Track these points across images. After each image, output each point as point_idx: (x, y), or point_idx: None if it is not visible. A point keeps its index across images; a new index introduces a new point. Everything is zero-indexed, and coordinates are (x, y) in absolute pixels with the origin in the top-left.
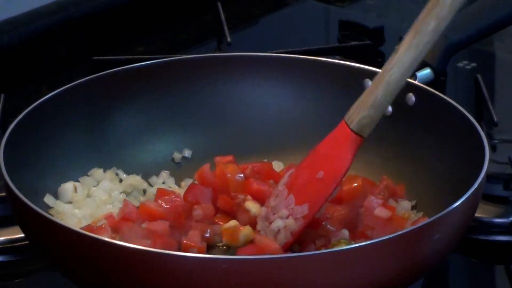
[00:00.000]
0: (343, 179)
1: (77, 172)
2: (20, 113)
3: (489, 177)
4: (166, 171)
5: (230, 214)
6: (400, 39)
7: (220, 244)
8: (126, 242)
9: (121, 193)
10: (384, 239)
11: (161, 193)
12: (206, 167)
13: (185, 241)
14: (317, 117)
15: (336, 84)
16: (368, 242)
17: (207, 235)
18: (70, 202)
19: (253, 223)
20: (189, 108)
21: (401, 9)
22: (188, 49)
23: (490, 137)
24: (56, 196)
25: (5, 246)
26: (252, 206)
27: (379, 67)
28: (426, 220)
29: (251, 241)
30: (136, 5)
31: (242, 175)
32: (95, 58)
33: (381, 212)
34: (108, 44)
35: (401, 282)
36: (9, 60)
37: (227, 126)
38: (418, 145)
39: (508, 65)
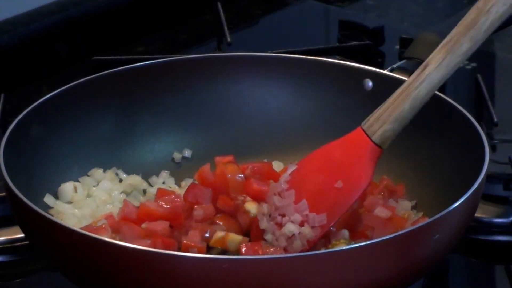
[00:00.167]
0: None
1: (77, 172)
2: (20, 113)
3: (489, 177)
4: (166, 171)
5: (230, 215)
6: (400, 39)
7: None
8: (126, 242)
9: (121, 193)
10: (384, 239)
11: (161, 193)
12: (206, 167)
13: (185, 241)
14: (317, 117)
15: (336, 84)
16: (368, 242)
17: (207, 235)
18: (70, 202)
19: (253, 224)
20: (189, 108)
21: (401, 9)
22: (188, 49)
23: (490, 137)
24: (56, 196)
25: (5, 246)
26: (251, 207)
27: (379, 67)
28: (426, 220)
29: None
30: (136, 5)
31: (242, 175)
32: (95, 58)
33: (381, 212)
34: (108, 44)
35: (401, 282)
36: (9, 60)
37: (227, 126)
38: (418, 145)
39: (508, 65)
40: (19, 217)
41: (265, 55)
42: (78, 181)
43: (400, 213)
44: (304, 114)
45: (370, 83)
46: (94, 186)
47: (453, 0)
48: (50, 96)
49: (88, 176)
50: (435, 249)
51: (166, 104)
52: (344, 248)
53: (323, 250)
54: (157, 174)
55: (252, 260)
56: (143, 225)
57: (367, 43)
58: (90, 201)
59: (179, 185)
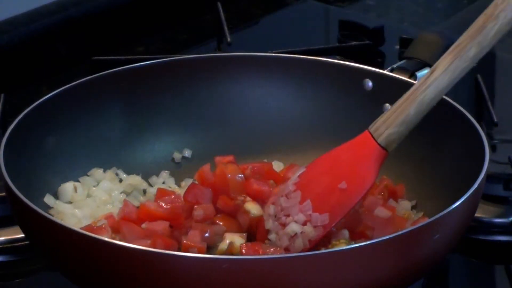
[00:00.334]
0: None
1: (77, 172)
2: (20, 113)
3: (489, 177)
4: (166, 171)
5: (230, 215)
6: (400, 39)
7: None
8: (126, 242)
9: (121, 193)
10: (384, 239)
11: (161, 193)
12: (206, 167)
13: (185, 241)
14: (317, 117)
15: (336, 84)
16: (368, 242)
17: (207, 235)
18: (70, 202)
19: (253, 224)
20: (189, 108)
21: (401, 9)
22: (188, 49)
23: (490, 137)
24: (56, 196)
25: (5, 246)
26: (251, 207)
27: (379, 67)
28: (426, 220)
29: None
30: (136, 5)
31: (242, 175)
32: (95, 58)
33: (381, 212)
34: (108, 44)
35: (401, 282)
36: (9, 60)
37: (227, 126)
38: (418, 145)
39: (508, 65)
40: (19, 217)
41: (265, 55)
42: (78, 181)
43: (400, 213)
44: (304, 114)
45: (370, 83)
46: (94, 186)
47: (453, 0)
48: (50, 96)
49: (88, 176)
50: (435, 249)
51: (166, 104)
52: (344, 248)
53: (323, 250)
54: (157, 174)
55: (252, 260)
56: (143, 225)
57: (367, 43)
58: (90, 201)
59: (179, 185)
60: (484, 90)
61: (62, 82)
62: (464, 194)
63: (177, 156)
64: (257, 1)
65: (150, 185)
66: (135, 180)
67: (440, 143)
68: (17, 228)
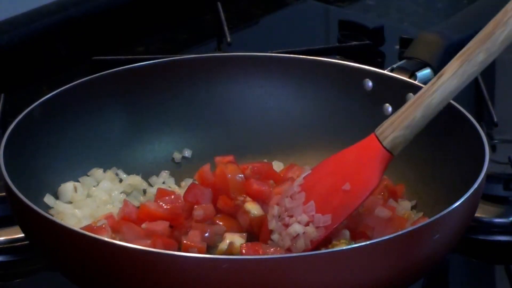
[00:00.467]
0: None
1: (77, 172)
2: (20, 113)
3: (489, 177)
4: (166, 171)
5: (230, 215)
6: (400, 39)
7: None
8: (126, 242)
9: (121, 193)
10: (384, 239)
11: (161, 193)
12: (206, 167)
13: (185, 241)
14: (317, 117)
15: (336, 84)
16: (368, 242)
17: (207, 235)
18: (70, 202)
19: (253, 224)
20: (189, 108)
21: (401, 9)
22: (188, 49)
23: (490, 137)
24: (56, 196)
25: (5, 246)
26: (252, 207)
27: (379, 67)
28: (426, 220)
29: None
30: (136, 5)
31: (242, 175)
32: (95, 58)
33: (381, 212)
34: (108, 44)
35: (401, 282)
36: (9, 60)
37: (227, 126)
38: (418, 145)
39: (508, 65)
40: (19, 217)
41: (265, 55)
42: (78, 181)
43: (400, 213)
44: (304, 114)
45: (370, 83)
46: (94, 186)
47: (453, 0)
48: (50, 96)
49: (88, 176)
50: (435, 249)
51: (166, 104)
52: (344, 248)
53: (323, 250)
54: (157, 174)
55: (252, 260)
56: (143, 225)
57: (367, 43)
58: (90, 201)
59: (179, 185)
60: (484, 90)
61: (62, 82)
62: (464, 194)
63: (177, 156)
64: (257, 1)
65: (150, 185)
66: (135, 180)
67: (440, 143)
68: (17, 228)
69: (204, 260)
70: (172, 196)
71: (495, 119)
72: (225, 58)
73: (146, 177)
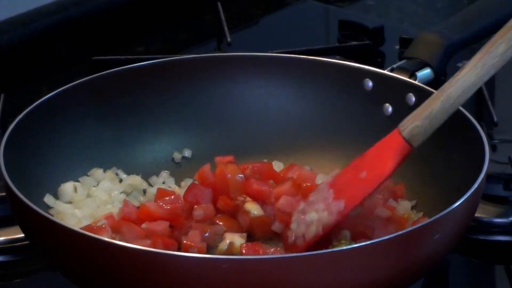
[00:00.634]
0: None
1: (77, 172)
2: (20, 113)
3: (489, 177)
4: (166, 171)
5: (230, 215)
6: (400, 39)
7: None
8: (126, 242)
9: (121, 193)
10: (384, 239)
11: (161, 193)
12: (206, 167)
13: (185, 241)
14: (317, 117)
15: (336, 84)
16: (368, 242)
17: (207, 235)
18: (70, 202)
19: (253, 224)
20: (189, 108)
21: (401, 9)
22: (188, 49)
23: (490, 137)
24: (56, 196)
25: (5, 246)
26: (252, 207)
27: (379, 67)
28: (426, 220)
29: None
30: (136, 5)
31: (242, 175)
32: (95, 58)
33: (381, 212)
34: (108, 44)
35: (401, 282)
36: (9, 60)
37: (227, 126)
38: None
39: (508, 65)
40: (19, 217)
41: (265, 55)
42: (78, 181)
43: (400, 213)
44: (304, 114)
45: (370, 83)
46: (94, 186)
47: (453, 0)
48: (50, 96)
49: (88, 176)
50: (435, 249)
51: (166, 104)
52: (344, 248)
53: (323, 250)
54: (157, 174)
55: (252, 260)
56: (143, 225)
57: (367, 43)
58: (90, 201)
59: (179, 185)
60: (484, 90)
61: (62, 82)
62: (464, 194)
63: (177, 156)
64: (257, 1)
65: (150, 185)
66: (135, 180)
67: (440, 143)
68: (17, 228)
69: (204, 260)
70: (172, 197)
71: (495, 119)
72: (225, 58)
73: (146, 177)
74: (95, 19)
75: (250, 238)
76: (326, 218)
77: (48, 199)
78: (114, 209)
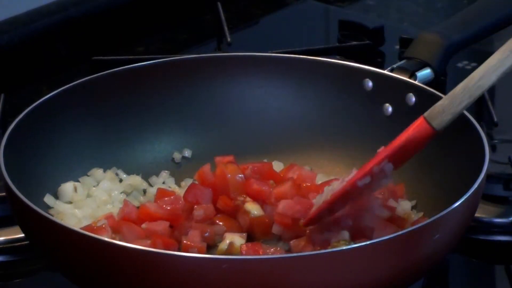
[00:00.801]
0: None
1: (77, 172)
2: (20, 113)
3: (489, 177)
4: (166, 171)
5: (230, 215)
6: (400, 39)
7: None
8: (126, 242)
9: (121, 193)
10: (384, 239)
11: (161, 193)
12: (206, 167)
13: (185, 241)
14: (317, 117)
15: (336, 84)
16: (368, 242)
17: (207, 235)
18: (70, 202)
19: (253, 224)
20: (189, 108)
21: (401, 9)
22: (188, 49)
23: (490, 137)
24: (56, 196)
25: (5, 246)
26: (252, 207)
27: (379, 67)
28: (426, 220)
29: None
30: (136, 5)
31: (242, 175)
32: (95, 58)
33: (381, 212)
34: (108, 44)
35: (401, 282)
36: (9, 60)
37: (227, 126)
38: None
39: None
40: (19, 217)
41: (265, 55)
42: (78, 181)
43: (400, 213)
44: (304, 114)
45: (370, 83)
46: (94, 186)
47: (453, 0)
48: (50, 96)
49: (88, 176)
50: (435, 249)
51: (166, 104)
52: (344, 248)
53: (323, 250)
54: (157, 174)
55: (252, 260)
56: (143, 225)
57: (367, 43)
58: (90, 201)
59: (179, 185)
60: None
61: (62, 82)
62: (464, 194)
63: (177, 156)
64: (257, 1)
65: (150, 185)
66: (135, 180)
67: (440, 143)
68: (17, 228)
69: (204, 260)
70: (172, 197)
71: (495, 119)
72: (225, 58)
73: (146, 177)
74: (95, 19)
75: (250, 238)
76: (336, 185)
77: (48, 199)
78: (114, 209)
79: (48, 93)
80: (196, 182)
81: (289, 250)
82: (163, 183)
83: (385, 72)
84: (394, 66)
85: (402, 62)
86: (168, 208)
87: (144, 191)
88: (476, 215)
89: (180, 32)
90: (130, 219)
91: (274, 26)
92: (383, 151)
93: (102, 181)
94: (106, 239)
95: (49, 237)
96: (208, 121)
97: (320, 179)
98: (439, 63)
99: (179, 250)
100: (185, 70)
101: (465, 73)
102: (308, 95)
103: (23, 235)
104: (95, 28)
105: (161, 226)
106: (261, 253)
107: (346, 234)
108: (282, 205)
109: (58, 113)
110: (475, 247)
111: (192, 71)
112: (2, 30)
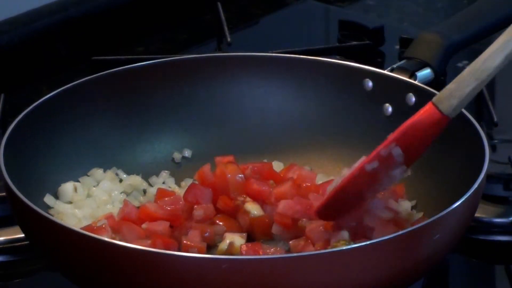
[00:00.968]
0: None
1: (77, 172)
2: (20, 113)
3: (489, 177)
4: (166, 171)
5: (230, 215)
6: (400, 39)
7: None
8: (126, 242)
9: (121, 193)
10: (384, 239)
11: (161, 194)
12: (206, 167)
13: (185, 241)
14: (317, 117)
15: (336, 84)
16: (368, 242)
17: (207, 235)
18: (70, 202)
19: (253, 224)
20: (189, 108)
21: (401, 9)
22: (188, 49)
23: (490, 137)
24: (56, 196)
25: (5, 246)
26: (252, 207)
27: (379, 67)
28: (426, 220)
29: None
30: (136, 5)
31: (242, 175)
32: (95, 58)
33: (381, 212)
34: (108, 44)
35: (401, 282)
36: (9, 60)
37: (227, 126)
38: None
39: (508, 65)
40: (19, 217)
41: (265, 55)
42: (78, 181)
43: (400, 213)
44: (304, 114)
45: (370, 83)
46: (94, 186)
47: (453, 0)
48: (50, 96)
49: (88, 176)
50: (435, 249)
51: (166, 104)
52: (344, 248)
53: (323, 250)
54: (157, 174)
55: (252, 260)
56: (143, 225)
57: (367, 43)
58: (90, 201)
59: (179, 185)
60: (484, 90)
61: (62, 82)
62: (464, 194)
63: (177, 156)
64: (257, 1)
65: (150, 185)
66: (135, 180)
67: (440, 143)
68: (17, 228)
69: (204, 260)
70: (172, 197)
71: (495, 119)
72: (225, 58)
73: (146, 177)
74: (95, 19)
75: (250, 238)
76: (345, 171)
77: (48, 199)
78: (114, 209)
79: (48, 93)
80: (196, 182)
81: (289, 250)
82: (163, 183)
83: (385, 72)
84: (394, 66)
85: (402, 62)
86: (168, 208)
87: (144, 191)
88: (476, 215)
89: (180, 32)
90: (130, 219)
91: (274, 26)
92: (391, 135)
93: (102, 181)
94: (106, 239)
95: (49, 237)
96: (208, 121)
97: (320, 179)
98: (439, 63)
99: (179, 250)
100: (185, 70)
101: None
102: (308, 95)
103: (23, 235)
104: (95, 28)
105: (161, 226)
106: (261, 253)
107: (346, 234)
108: (282, 205)
109: (58, 113)
110: (475, 247)
111: (192, 71)
112: (2, 30)
